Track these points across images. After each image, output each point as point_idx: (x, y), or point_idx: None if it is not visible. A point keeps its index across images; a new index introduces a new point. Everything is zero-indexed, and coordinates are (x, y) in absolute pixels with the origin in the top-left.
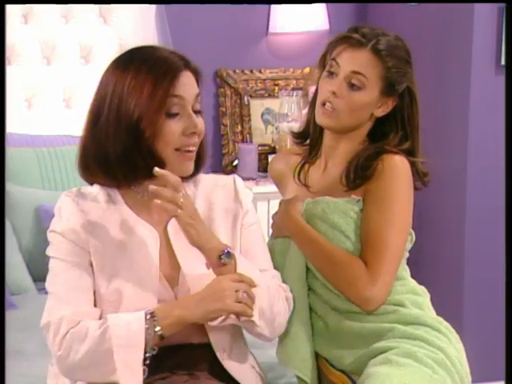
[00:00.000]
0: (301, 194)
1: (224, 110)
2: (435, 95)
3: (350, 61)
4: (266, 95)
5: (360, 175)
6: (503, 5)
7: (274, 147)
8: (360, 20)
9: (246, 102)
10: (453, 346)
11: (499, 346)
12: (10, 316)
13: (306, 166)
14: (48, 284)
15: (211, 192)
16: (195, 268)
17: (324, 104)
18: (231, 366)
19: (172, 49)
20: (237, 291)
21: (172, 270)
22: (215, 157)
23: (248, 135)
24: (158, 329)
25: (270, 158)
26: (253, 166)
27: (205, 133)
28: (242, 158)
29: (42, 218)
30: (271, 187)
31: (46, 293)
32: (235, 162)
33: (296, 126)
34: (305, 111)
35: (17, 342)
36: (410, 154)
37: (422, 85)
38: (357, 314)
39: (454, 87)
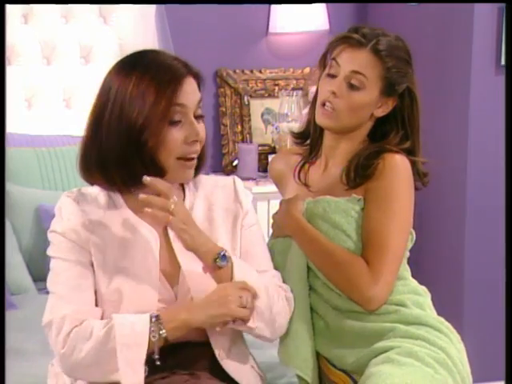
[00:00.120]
0: (301, 193)
1: (224, 109)
2: (435, 95)
3: (350, 61)
4: (266, 95)
5: (361, 174)
6: (503, 5)
7: (274, 147)
8: (360, 20)
9: (246, 102)
10: (454, 346)
11: (499, 346)
12: (9, 316)
13: (306, 166)
14: (49, 283)
15: (211, 193)
16: (195, 267)
17: (324, 104)
18: (230, 366)
19: (174, 55)
20: (241, 297)
21: (172, 270)
22: (215, 157)
23: (248, 135)
24: (162, 332)
25: (270, 158)
26: (253, 166)
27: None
28: (242, 158)
29: (42, 218)
30: (271, 187)
31: (46, 293)
32: (235, 162)
33: (296, 126)
34: (305, 111)
35: (17, 341)
36: (410, 153)
37: (422, 85)
38: (358, 314)
39: (454, 87)
